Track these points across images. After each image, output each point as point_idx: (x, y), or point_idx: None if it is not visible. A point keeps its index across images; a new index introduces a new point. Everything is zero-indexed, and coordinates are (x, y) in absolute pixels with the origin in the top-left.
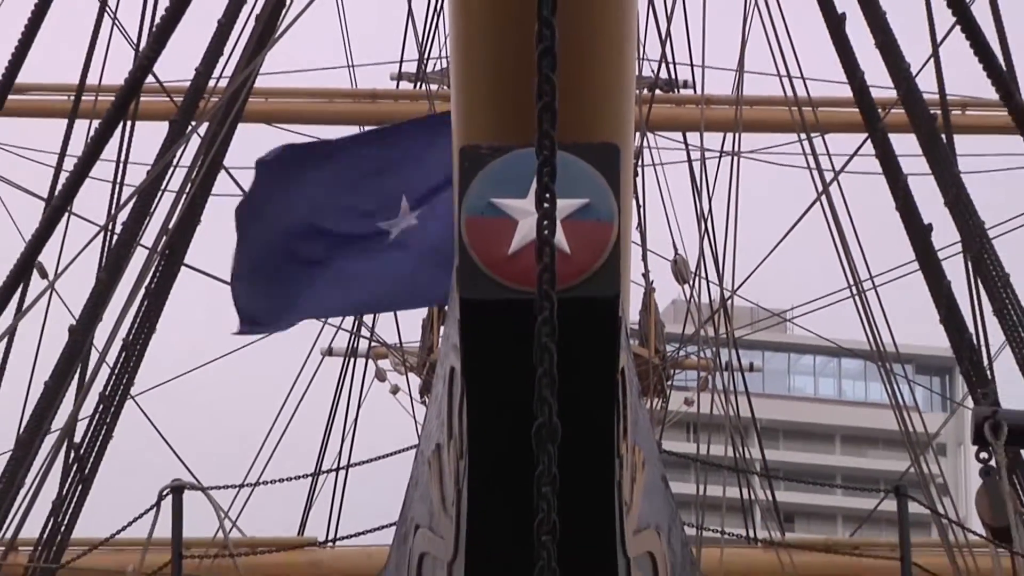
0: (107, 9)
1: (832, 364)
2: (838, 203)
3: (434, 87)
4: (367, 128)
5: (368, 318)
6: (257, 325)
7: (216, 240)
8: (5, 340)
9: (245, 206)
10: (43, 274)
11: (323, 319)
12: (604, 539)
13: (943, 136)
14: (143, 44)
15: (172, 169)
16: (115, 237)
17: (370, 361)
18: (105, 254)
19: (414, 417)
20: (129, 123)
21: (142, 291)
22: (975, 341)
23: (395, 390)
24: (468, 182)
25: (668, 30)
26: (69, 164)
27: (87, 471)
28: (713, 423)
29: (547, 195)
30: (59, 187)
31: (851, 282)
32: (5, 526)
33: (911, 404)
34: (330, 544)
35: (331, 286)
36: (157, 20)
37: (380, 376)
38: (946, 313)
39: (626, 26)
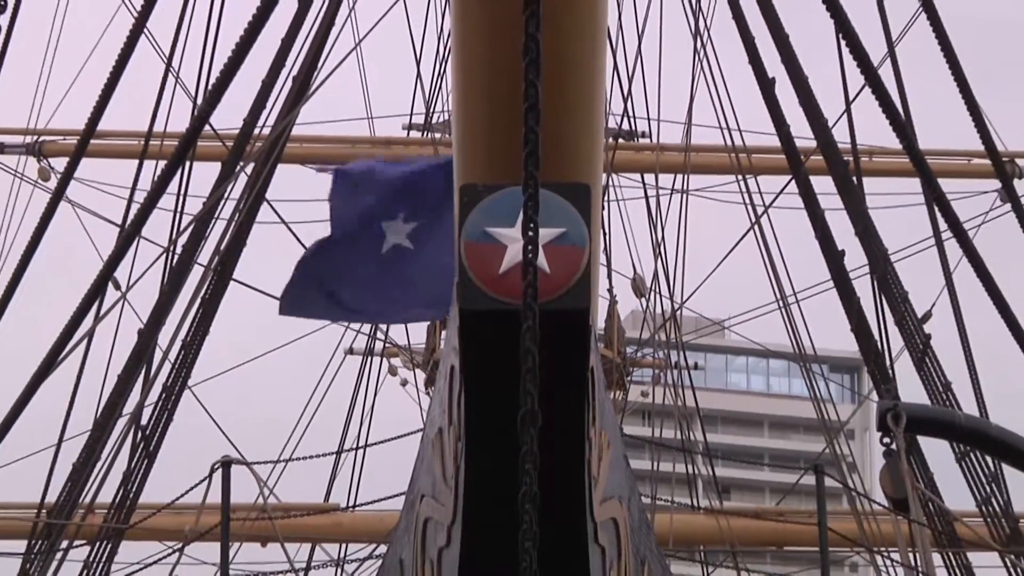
0: (171, 69)
1: (762, 364)
2: (767, 232)
3: (438, 135)
4: None
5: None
6: (295, 310)
7: (260, 260)
8: (85, 341)
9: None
10: (117, 287)
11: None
12: (576, 507)
13: (855, 178)
14: (200, 98)
15: (223, 201)
16: (176, 257)
17: (384, 359)
18: (168, 271)
19: (420, 405)
20: (188, 163)
21: (198, 301)
22: (879, 346)
23: (404, 383)
24: (467, 213)
25: (629, 90)
26: (138, 196)
27: (151, 448)
28: (664, 411)
29: (531, 225)
30: (131, 216)
31: (777, 297)
32: (84, 492)
33: (826, 397)
34: (350, 509)
35: (349, 297)
36: (212, 79)
37: (392, 371)
38: (856, 323)
39: (596, 88)
